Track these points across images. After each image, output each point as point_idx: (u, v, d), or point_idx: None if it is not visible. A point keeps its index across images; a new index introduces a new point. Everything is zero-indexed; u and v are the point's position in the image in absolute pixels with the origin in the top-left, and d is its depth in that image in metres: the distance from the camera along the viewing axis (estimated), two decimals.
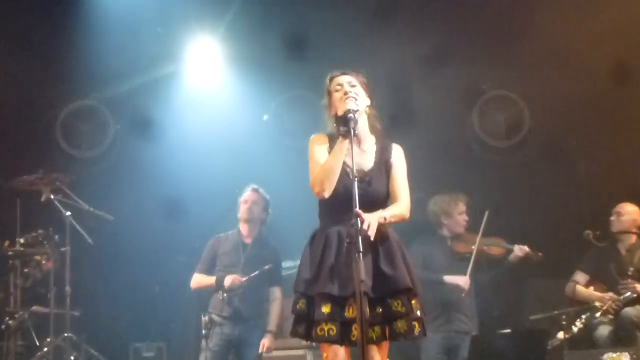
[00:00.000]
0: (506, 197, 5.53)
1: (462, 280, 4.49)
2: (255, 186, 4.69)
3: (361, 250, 2.56)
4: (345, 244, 2.72)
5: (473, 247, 4.59)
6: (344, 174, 2.86)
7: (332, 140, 2.94)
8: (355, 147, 2.81)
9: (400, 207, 2.88)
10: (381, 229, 2.78)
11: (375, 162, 2.95)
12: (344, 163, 2.86)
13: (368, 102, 2.99)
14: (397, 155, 3.00)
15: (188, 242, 5.02)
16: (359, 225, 2.60)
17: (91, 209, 4.61)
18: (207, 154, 5.46)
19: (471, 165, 5.72)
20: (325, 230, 2.85)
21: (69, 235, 4.47)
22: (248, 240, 4.60)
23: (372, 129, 3.03)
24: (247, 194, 4.64)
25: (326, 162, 2.84)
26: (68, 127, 5.49)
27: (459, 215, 4.72)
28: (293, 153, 5.48)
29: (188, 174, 5.45)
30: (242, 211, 4.63)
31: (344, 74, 2.98)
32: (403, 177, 2.96)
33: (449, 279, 4.51)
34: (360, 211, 2.64)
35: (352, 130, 2.76)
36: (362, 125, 2.95)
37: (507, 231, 4.99)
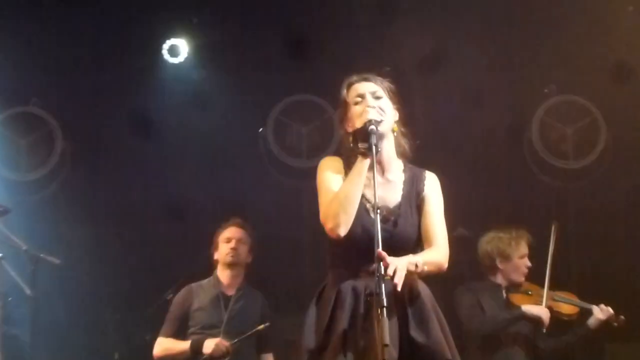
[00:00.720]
0: (575, 237, 5.50)
1: (543, 312, 4.45)
2: (239, 219, 4.64)
3: (385, 304, 2.50)
4: (363, 300, 2.69)
5: (539, 300, 4.53)
6: (363, 210, 2.84)
7: (348, 166, 2.93)
8: (377, 176, 2.80)
9: (437, 253, 2.85)
10: (411, 281, 2.75)
11: (404, 196, 2.95)
12: (363, 196, 2.85)
13: (396, 117, 2.99)
14: (432, 187, 2.99)
15: (157, 292, 4.96)
16: (383, 272, 2.56)
17: (30, 249, 4.34)
18: (186, 178, 5.55)
19: (529, 193, 5.69)
20: (337, 285, 2.81)
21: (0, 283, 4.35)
22: (230, 292, 4.49)
23: (400, 153, 3.03)
24: (229, 230, 4.56)
25: (342, 189, 2.84)
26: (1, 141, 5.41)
27: (520, 259, 4.64)
28: (295, 177, 5.62)
29: (158, 204, 5.49)
30: (222, 252, 4.53)
31: (365, 79, 2.98)
32: (439, 216, 2.95)
33: (527, 308, 4.46)
34: (384, 253, 2.61)
35: (374, 147, 2.76)
36: (388, 148, 2.95)
37: (577, 282, 5.00)
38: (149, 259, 5.44)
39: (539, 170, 5.79)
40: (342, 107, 3.02)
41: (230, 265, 4.49)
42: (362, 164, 2.81)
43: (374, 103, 2.92)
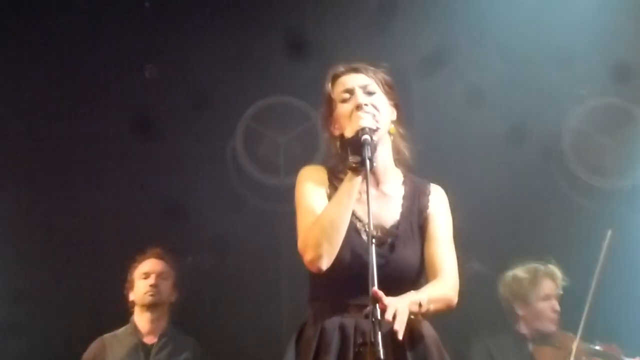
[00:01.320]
0: (619, 272, 5.32)
1: None
2: (158, 249, 4.63)
3: (382, 357, 2.50)
4: (354, 349, 2.70)
5: (568, 356, 4.54)
6: (353, 231, 2.88)
7: (334, 176, 2.98)
8: (372, 189, 2.83)
9: (444, 286, 2.87)
10: (414, 323, 2.76)
11: (403, 214, 2.99)
12: (354, 214, 2.88)
13: (394, 115, 3.04)
14: (438, 204, 3.03)
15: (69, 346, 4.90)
16: (379, 316, 2.56)
17: None
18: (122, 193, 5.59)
19: (560, 219, 5.68)
20: (320, 323, 2.83)
21: None
22: (151, 340, 4.48)
23: (399, 160, 3.07)
24: (147, 263, 4.56)
25: (326, 212, 2.85)
26: None
27: (543, 301, 4.68)
28: (269, 198, 5.62)
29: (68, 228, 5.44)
30: (140, 291, 4.51)
31: (354, 70, 3.02)
32: (447, 240, 2.99)
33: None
34: (380, 292, 2.60)
35: (368, 162, 2.77)
36: (384, 154, 2.98)
37: (620, 332, 4.90)
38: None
39: (571, 189, 5.81)
40: (326, 104, 3.03)
41: (151, 307, 4.48)
42: (353, 183, 2.82)
43: (365, 100, 2.93)
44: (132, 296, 4.54)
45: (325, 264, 2.80)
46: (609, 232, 4.72)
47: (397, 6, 5.63)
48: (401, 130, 3.07)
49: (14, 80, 5.34)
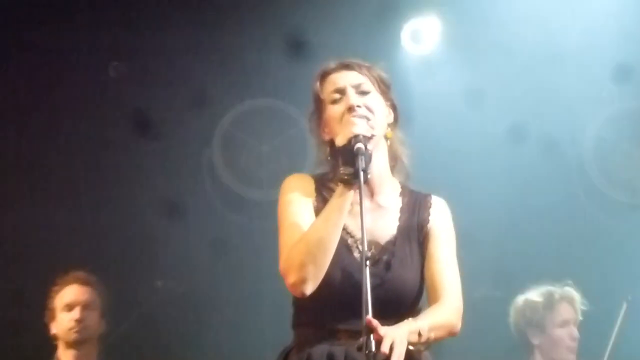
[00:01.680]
0: None
1: None
2: (81, 273, 4.49)
3: None
4: None
5: None
6: (343, 248, 2.89)
7: (323, 186, 3.00)
8: (365, 200, 2.82)
9: (446, 311, 2.88)
10: (413, 355, 2.75)
11: (401, 228, 3.00)
12: (344, 229, 2.89)
13: (391, 117, 3.05)
14: (441, 218, 3.04)
15: None
16: (373, 348, 2.56)
17: None
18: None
19: (579, 236, 5.71)
20: (306, 350, 2.85)
21: None
22: None
23: (396, 168, 3.08)
24: (69, 291, 4.42)
25: (313, 229, 2.86)
26: None
27: (560, 328, 4.68)
28: (250, 214, 5.70)
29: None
30: (63, 326, 4.39)
31: (346, 67, 3.03)
32: (450, 258, 3.00)
33: None
34: (375, 321, 2.61)
35: (362, 173, 2.77)
36: (380, 162, 2.98)
37: None
38: None
39: (594, 204, 5.82)
40: (315, 105, 3.05)
41: (75, 343, 4.36)
42: (344, 197, 2.83)
43: (358, 100, 2.94)
44: (54, 329, 4.44)
45: (309, 288, 2.81)
46: (625, 305, 4.74)
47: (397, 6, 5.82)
48: (399, 135, 3.08)
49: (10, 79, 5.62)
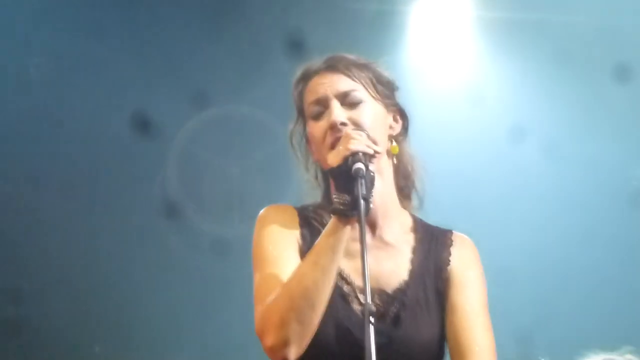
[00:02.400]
0: None
1: None
2: None
3: None
4: None
5: None
6: (338, 298, 2.89)
7: (308, 221, 3.03)
8: (367, 238, 2.77)
9: None
10: None
11: (414, 273, 3.01)
12: (339, 273, 2.89)
13: (397, 128, 3.05)
14: (465, 259, 3.06)
15: None
16: None
17: None
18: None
19: None
20: None
21: None
22: None
23: (405, 195, 3.10)
24: None
25: (297, 275, 2.82)
26: None
27: None
28: (218, 253, 5.76)
29: None
30: None
31: (330, 69, 3.02)
32: (479, 308, 3.01)
33: None
34: None
35: (363, 202, 2.73)
36: (383, 188, 2.99)
37: None
38: None
39: None
40: (299, 115, 3.04)
41: None
42: (339, 235, 2.79)
43: (342, 116, 2.91)
44: None
45: (293, 353, 2.78)
46: None
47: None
48: (408, 149, 3.06)
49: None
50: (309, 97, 2.99)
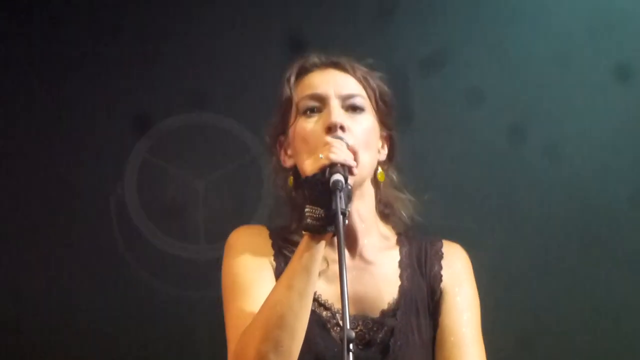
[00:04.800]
0: None
1: None
2: None
3: None
4: None
5: None
6: (316, 327, 2.91)
7: (282, 243, 3.02)
8: (347, 259, 2.84)
9: None
10: None
11: (403, 292, 3.02)
12: (316, 300, 2.92)
13: (383, 154, 3.08)
14: (458, 271, 3.07)
15: None
16: None
17: None
18: None
19: None
20: None
21: None
22: None
23: (386, 217, 3.10)
24: None
25: (271, 300, 2.80)
26: None
27: None
28: (179, 278, 5.60)
29: None
30: None
31: (334, 66, 3.03)
32: (474, 328, 3.01)
33: None
34: None
35: (341, 217, 2.67)
36: (363, 206, 3.02)
37: None
38: None
39: None
40: (281, 112, 3.02)
41: None
42: (312, 253, 2.78)
43: (344, 119, 2.88)
44: None
45: None
46: None
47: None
48: (394, 177, 3.07)
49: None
50: (305, 90, 2.96)
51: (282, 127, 2.93)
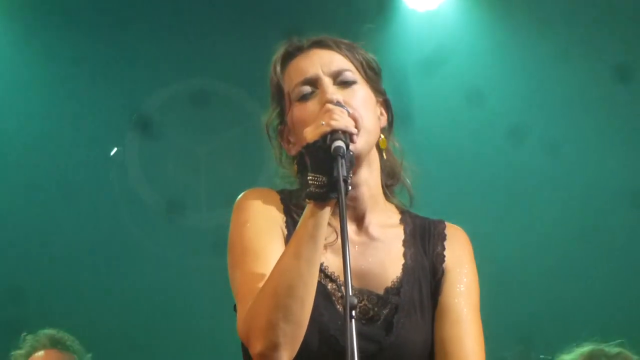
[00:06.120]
0: None
1: None
2: (56, 347, 5.03)
3: None
4: None
5: None
6: (322, 298, 2.87)
7: (293, 208, 3.00)
8: (352, 231, 2.91)
9: None
10: None
11: (407, 269, 3.02)
12: (322, 271, 2.91)
13: (383, 120, 3.05)
14: (460, 253, 3.07)
15: None
16: None
17: None
18: None
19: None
20: None
21: None
22: None
23: (391, 192, 3.11)
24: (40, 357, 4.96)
25: (279, 268, 2.80)
26: None
27: None
28: (184, 246, 5.85)
29: None
30: None
31: (318, 45, 3.02)
32: (473, 310, 3.01)
33: None
34: None
35: (343, 185, 2.72)
36: (370, 180, 3.02)
37: None
38: None
39: None
40: (276, 101, 3.00)
41: None
42: (316, 219, 2.80)
43: (337, 95, 2.91)
44: None
45: (285, 357, 2.79)
46: None
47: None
48: (396, 144, 3.06)
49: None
50: (295, 77, 2.97)
51: (280, 117, 3.04)
